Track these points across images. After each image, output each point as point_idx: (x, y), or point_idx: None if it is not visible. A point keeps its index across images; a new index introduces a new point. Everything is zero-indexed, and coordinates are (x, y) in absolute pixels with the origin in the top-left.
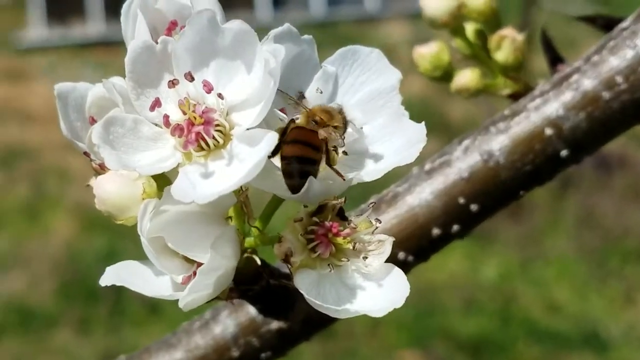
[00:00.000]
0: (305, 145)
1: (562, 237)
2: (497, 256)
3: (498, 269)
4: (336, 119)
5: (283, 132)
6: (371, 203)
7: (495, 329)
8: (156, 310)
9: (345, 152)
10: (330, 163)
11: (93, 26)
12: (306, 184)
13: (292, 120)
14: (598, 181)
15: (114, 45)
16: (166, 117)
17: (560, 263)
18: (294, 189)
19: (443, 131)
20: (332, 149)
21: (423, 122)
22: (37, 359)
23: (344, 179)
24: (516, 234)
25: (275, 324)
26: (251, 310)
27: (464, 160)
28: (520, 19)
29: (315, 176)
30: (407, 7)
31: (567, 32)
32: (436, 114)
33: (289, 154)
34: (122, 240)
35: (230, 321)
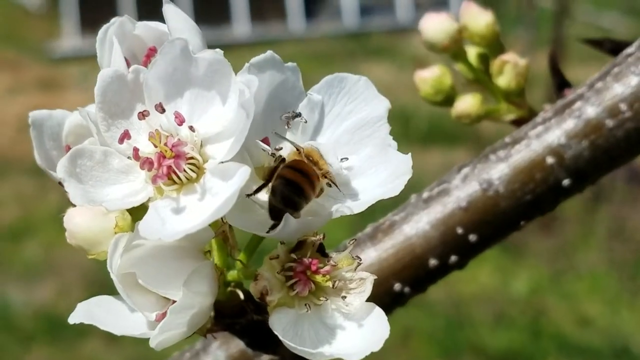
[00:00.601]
0: (303, 176)
1: (594, 251)
2: (527, 269)
3: (529, 282)
4: (324, 162)
5: (273, 171)
6: (352, 240)
7: (525, 342)
8: None
9: (328, 184)
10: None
11: None
12: (282, 221)
13: (282, 158)
14: (630, 194)
15: None
16: (136, 150)
17: (591, 277)
18: (274, 212)
19: (475, 145)
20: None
21: (409, 154)
22: None
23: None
24: (547, 247)
25: (265, 357)
26: (242, 341)
27: (463, 189)
28: (553, 31)
29: (298, 209)
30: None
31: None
32: (469, 128)
33: (286, 175)
34: None
35: (221, 352)
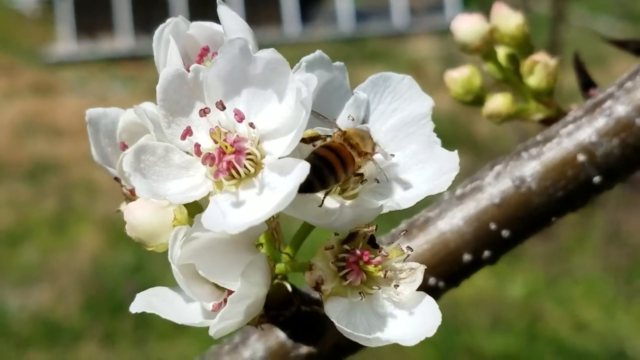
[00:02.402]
0: (336, 156)
1: (589, 255)
2: (523, 274)
3: (525, 287)
4: (368, 145)
5: (313, 138)
6: (402, 231)
7: (521, 346)
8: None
9: (376, 180)
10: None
11: (122, 41)
12: (338, 211)
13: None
14: (625, 199)
15: (143, 59)
16: (197, 145)
17: (587, 281)
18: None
19: (471, 148)
20: (354, 176)
21: (456, 151)
22: None
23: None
24: (543, 252)
25: (304, 349)
26: (280, 334)
27: (496, 186)
28: (549, 36)
29: (326, 185)
30: (435, 23)
31: (596, 49)
32: (464, 131)
33: (319, 152)
34: (148, 255)
35: (260, 345)
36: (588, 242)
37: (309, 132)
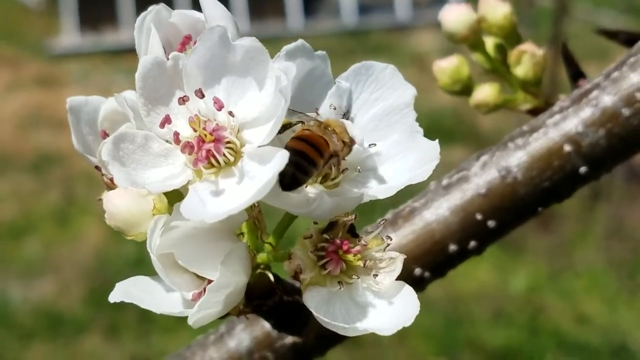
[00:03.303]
0: (310, 146)
1: (592, 249)
2: (526, 267)
3: (527, 280)
4: (346, 135)
5: (285, 127)
6: (382, 220)
7: (523, 340)
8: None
9: (358, 169)
10: (325, 177)
11: (125, 33)
12: (318, 200)
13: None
14: (628, 193)
15: None
16: (176, 134)
17: (589, 275)
18: (283, 179)
19: (473, 141)
20: (334, 164)
21: (437, 140)
22: None
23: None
24: (545, 245)
25: (289, 339)
26: (266, 324)
27: (482, 176)
28: (551, 28)
29: (306, 178)
30: (438, 16)
31: (599, 42)
32: (466, 124)
33: (292, 146)
34: None
35: (245, 335)
36: (591, 235)
37: (284, 121)
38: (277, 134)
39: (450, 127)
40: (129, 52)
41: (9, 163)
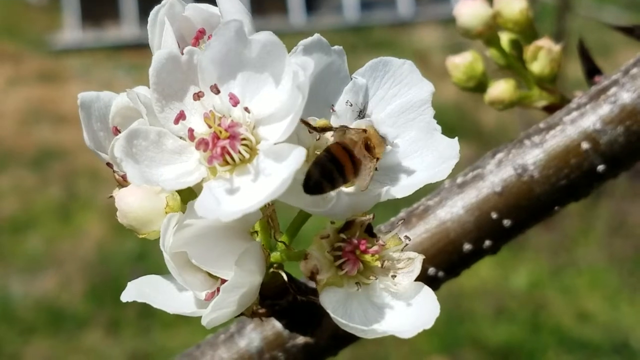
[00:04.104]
0: (350, 159)
1: (594, 246)
2: (527, 264)
3: (529, 277)
4: (382, 149)
5: (324, 129)
6: (400, 219)
7: (525, 337)
8: None
9: (375, 167)
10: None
11: (127, 29)
12: (335, 198)
13: (344, 129)
14: (630, 190)
15: (148, 47)
16: (191, 130)
17: (591, 272)
18: (309, 181)
19: (476, 138)
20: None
21: (456, 138)
22: (67, 359)
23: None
24: (547, 242)
25: (301, 339)
26: (277, 324)
27: (497, 174)
28: (554, 25)
29: (335, 186)
30: (441, 12)
31: (602, 38)
32: (469, 120)
33: (334, 151)
34: (152, 243)
35: (256, 335)
36: (593, 232)
37: (321, 122)
38: (315, 131)
39: (453, 124)
40: (130, 48)
41: (10, 158)
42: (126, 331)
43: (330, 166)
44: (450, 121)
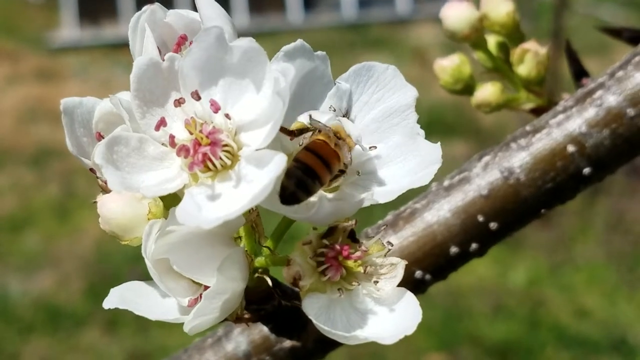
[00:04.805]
0: (320, 160)
1: (592, 243)
2: (526, 261)
3: (527, 274)
4: (352, 141)
5: (301, 131)
6: (383, 225)
7: (523, 334)
8: None
9: (358, 172)
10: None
11: (125, 26)
12: (317, 204)
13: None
14: (628, 187)
15: None
16: (172, 137)
17: (589, 269)
18: (284, 194)
19: (474, 137)
20: (338, 173)
21: (439, 143)
22: (65, 358)
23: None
24: (545, 239)
25: (288, 343)
26: (264, 328)
27: (484, 177)
28: (552, 23)
29: (310, 194)
30: (439, 9)
31: (600, 37)
32: (467, 119)
33: (300, 158)
34: None
35: (243, 339)
36: (591, 229)
37: (297, 124)
38: (294, 136)
39: (451, 122)
40: (128, 46)
41: (8, 156)
42: (124, 330)
43: (302, 175)
44: (448, 120)
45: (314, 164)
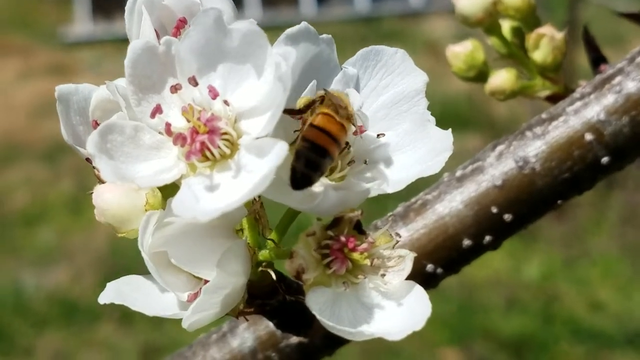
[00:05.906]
0: (326, 135)
1: (606, 236)
2: (540, 254)
3: (541, 268)
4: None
5: (308, 106)
6: (390, 215)
7: (537, 328)
8: None
9: (365, 161)
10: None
11: None
12: (321, 194)
13: (321, 99)
14: None
15: None
16: (168, 125)
17: (603, 262)
18: (295, 177)
19: (488, 128)
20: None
21: (449, 129)
22: (79, 352)
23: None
24: (559, 233)
25: (295, 339)
26: (270, 323)
27: (498, 167)
28: (566, 14)
29: (322, 173)
30: (452, 2)
31: (614, 28)
32: (481, 111)
33: (309, 136)
34: None
35: (249, 334)
36: (605, 223)
37: (303, 100)
38: (300, 114)
39: (465, 114)
40: None
41: (21, 151)
42: (138, 324)
43: (311, 154)
44: (462, 112)
45: (322, 141)
